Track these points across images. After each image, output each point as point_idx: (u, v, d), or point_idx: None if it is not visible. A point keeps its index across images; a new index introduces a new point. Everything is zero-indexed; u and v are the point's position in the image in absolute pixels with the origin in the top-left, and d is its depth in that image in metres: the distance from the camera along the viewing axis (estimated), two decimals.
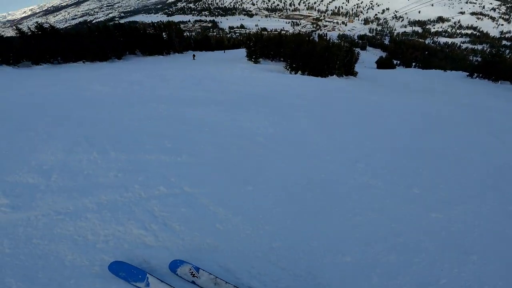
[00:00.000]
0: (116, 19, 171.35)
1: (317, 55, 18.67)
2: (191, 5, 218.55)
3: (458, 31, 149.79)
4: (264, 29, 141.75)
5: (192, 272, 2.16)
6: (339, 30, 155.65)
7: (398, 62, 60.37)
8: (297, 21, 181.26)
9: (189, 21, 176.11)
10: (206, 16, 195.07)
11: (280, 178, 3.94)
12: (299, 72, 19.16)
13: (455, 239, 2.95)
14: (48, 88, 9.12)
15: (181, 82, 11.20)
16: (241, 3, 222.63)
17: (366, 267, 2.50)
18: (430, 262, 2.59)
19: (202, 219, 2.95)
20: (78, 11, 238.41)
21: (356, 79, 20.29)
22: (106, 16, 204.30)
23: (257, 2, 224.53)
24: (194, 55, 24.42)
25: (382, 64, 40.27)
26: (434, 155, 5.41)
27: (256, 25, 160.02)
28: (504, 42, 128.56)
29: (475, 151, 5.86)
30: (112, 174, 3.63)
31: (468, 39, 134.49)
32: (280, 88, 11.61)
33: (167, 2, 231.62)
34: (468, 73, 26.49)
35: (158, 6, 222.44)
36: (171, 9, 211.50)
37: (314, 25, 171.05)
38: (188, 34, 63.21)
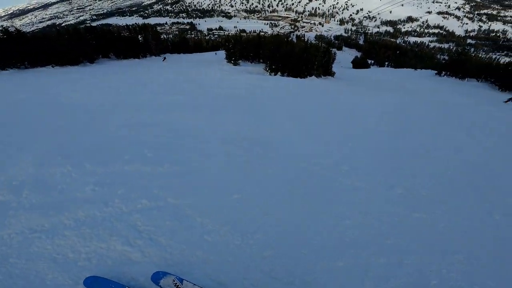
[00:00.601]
0: (88, 22, 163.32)
1: (296, 56, 18.94)
2: (168, 7, 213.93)
3: (426, 30, 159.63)
4: (243, 30, 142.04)
5: (176, 284, 2.10)
6: (316, 30, 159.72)
7: (372, 61, 62.95)
8: (276, 22, 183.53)
9: (166, 23, 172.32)
10: (183, 18, 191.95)
11: (266, 185, 3.90)
12: (279, 73, 19.35)
13: (440, 239, 3.06)
14: (15, 95, 8.40)
15: (159, 86, 10.76)
16: (219, 5, 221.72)
17: (358, 272, 2.52)
18: (419, 264, 2.66)
19: (188, 231, 2.84)
20: (46, 14, 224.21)
21: (334, 79, 20.87)
22: (76, 19, 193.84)
23: (235, 3, 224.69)
24: (164, 58, 23.96)
25: (357, 64, 41.73)
26: (411, 154, 5.58)
27: (235, 27, 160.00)
28: (468, 40, 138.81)
29: (450, 148, 6.11)
30: (88, 188, 3.40)
31: (435, 38, 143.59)
32: (261, 90, 11.56)
33: (143, 4, 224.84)
34: (436, 72, 28.18)
35: (133, 9, 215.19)
36: (146, 12, 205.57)
37: (292, 26, 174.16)
38: (165, 36, 61.65)
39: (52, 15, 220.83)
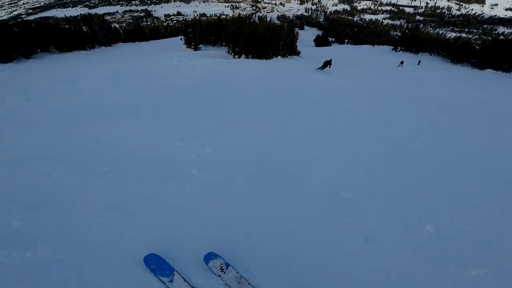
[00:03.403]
0: (23, 16, 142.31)
1: (259, 37, 18.52)
2: None
3: (379, 8, 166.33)
4: (203, 14, 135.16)
5: (222, 267, 2.25)
6: (277, 11, 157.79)
7: (333, 39, 64.46)
8: (237, 4, 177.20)
9: (117, 12, 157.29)
10: (136, 5, 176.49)
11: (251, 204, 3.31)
12: (243, 55, 18.87)
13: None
14: None
15: (93, 82, 8.94)
16: None
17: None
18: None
19: None
20: None
21: (300, 58, 20.92)
22: (9, 14, 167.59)
23: None
24: None
25: (319, 42, 42.36)
26: (393, 117, 6.12)
27: (194, 11, 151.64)
28: (417, 17, 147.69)
29: (425, 116, 6.93)
30: None
31: (388, 15, 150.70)
32: (223, 76, 10.66)
33: None
34: (392, 47, 29.74)
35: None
36: (92, 1, 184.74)
37: (254, 8, 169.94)
38: (118, 25, 56.32)
39: None
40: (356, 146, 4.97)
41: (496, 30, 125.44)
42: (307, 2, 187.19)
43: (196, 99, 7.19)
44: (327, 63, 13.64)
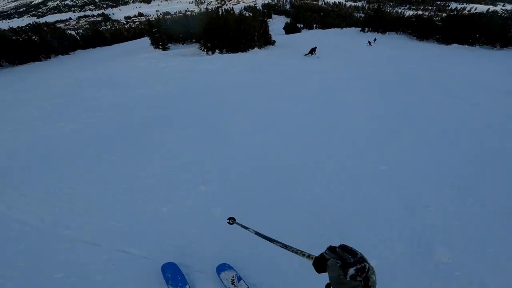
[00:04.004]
0: None
1: (232, 30, 17.79)
2: (68, 1, 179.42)
3: None
4: (167, 13, 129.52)
5: (233, 280, 2.16)
6: (243, 2, 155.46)
7: (302, 25, 64.65)
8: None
9: (70, 18, 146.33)
10: (91, 10, 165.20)
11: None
12: (217, 50, 18.10)
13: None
14: None
15: (43, 103, 7.01)
16: None
17: None
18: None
19: None
20: None
21: (276, 47, 20.44)
22: None
23: None
24: None
25: (289, 29, 42.14)
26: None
27: (157, 11, 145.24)
28: None
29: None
30: None
31: None
32: (199, 77, 9.55)
33: (32, 3, 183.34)
34: (360, 29, 30.21)
35: (21, 10, 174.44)
36: (40, 10, 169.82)
37: (219, 1, 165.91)
38: (74, 32, 52.12)
39: None
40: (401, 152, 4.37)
41: (449, 6, 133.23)
42: None
43: (163, 116, 5.75)
44: (313, 49, 14.83)
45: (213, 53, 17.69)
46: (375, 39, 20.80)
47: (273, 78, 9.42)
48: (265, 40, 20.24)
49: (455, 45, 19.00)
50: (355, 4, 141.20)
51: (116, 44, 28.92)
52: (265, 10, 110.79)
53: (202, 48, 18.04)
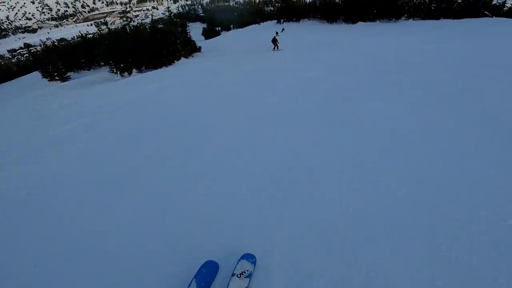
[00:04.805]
0: None
1: (149, 43, 15.71)
2: None
3: None
4: (63, 39, 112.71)
5: (243, 273, 1.98)
6: (153, 15, 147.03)
7: (219, 28, 64.39)
8: (102, 20, 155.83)
9: None
10: None
11: None
12: (134, 70, 15.85)
13: None
14: None
15: None
16: (9, 22, 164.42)
17: None
18: None
19: None
20: None
21: (204, 53, 19.14)
22: None
23: (33, 15, 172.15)
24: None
25: (208, 34, 41.60)
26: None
27: (47, 38, 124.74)
28: None
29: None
30: None
31: None
32: (107, 117, 6.38)
33: None
34: (277, 21, 31.69)
35: None
36: None
37: (124, 19, 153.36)
38: None
39: None
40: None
41: None
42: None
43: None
44: (275, 40, 14.78)
45: (129, 74, 15.40)
46: (283, 29, 21.56)
47: (219, 90, 7.65)
48: (192, 48, 18.83)
49: (360, 22, 21.23)
50: None
51: (6, 83, 23.43)
52: (178, 20, 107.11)
53: (114, 71, 15.51)
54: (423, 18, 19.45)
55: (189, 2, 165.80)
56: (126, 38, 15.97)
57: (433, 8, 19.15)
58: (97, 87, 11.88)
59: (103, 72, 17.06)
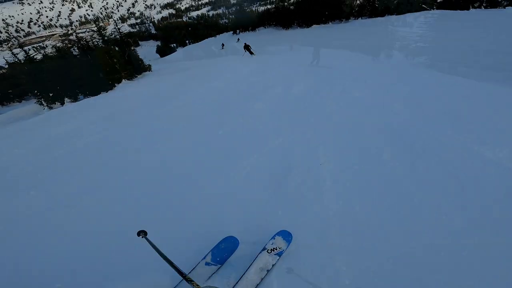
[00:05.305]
0: None
1: (77, 65, 13.19)
2: None
3: (199, 2, 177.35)
4: None
5: (274, 250, 1.89)
6: (103, 34, 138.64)
7: (174, 45, 62.36)
8: (40, 44, 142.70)
9: None
10: None
11: None
12: (66, 99, 13.17)
13: None
14: None
15: None
16: None
17: None
18: None
19: None
20: None
21: (154, 72, 16.75)
22: None
23: None
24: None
25: (163, 52, 40.30)
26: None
27: None
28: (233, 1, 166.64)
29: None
30: None
31: (209, 7, 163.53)
32: (72, 155, 4.35)
33: None
34: (232, 32, 31.10)
35: None
36: None
37: (67, 42, 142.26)
38: None
39: None
40: None
41: None
42: (129, 19, 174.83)
43: None
44: (247, 46, 14.88)
45: (62, 104, 12.74)
46: (238, 39, 21.45)
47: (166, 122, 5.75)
48: (137, 67, 16.24)
49: (314, 26, 21.22)
50: (216, 12, 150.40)
51: None
52: (128, 39, 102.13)
53: (42, 102, 12.69)
54: (370, 17, 20.05)
55: (138, 21, 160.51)
56: (51, 62, 13.25)
57: (376, 5, 20.00)
58: (21, 123, 8.77)
59: (31, 104, 14.12)
